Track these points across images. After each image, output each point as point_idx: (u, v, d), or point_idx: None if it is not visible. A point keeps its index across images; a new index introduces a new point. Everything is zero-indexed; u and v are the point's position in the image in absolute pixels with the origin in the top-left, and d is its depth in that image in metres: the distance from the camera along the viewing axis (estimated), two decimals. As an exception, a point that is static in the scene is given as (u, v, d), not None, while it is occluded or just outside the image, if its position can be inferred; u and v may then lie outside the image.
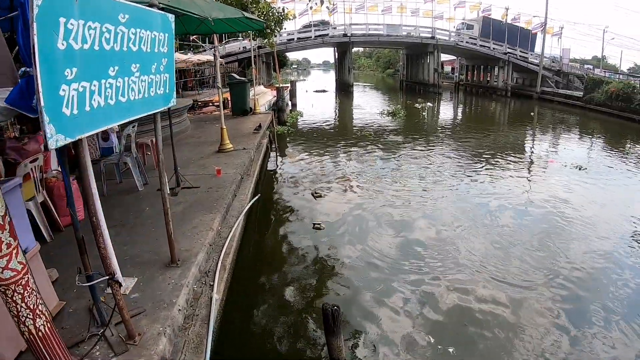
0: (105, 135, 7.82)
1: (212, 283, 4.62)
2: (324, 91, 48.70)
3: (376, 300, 5.64)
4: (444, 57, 55.78)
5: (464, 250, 7.06)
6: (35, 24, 2.01)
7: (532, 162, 14.59)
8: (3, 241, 2.25)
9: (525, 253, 7.00)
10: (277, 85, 22.26)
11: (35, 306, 2.53)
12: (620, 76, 39.67)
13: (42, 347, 2.61)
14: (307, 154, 14.81)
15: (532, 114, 30.52)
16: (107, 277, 2.95)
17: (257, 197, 8.12)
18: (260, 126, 12.99)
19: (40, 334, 2.57)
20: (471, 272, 6.35)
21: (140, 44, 3.05)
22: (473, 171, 12.44)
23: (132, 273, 4.23)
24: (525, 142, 19.17)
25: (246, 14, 6.98)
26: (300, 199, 9.75)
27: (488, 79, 50.10)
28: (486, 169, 12.87)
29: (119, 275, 3.64)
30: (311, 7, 39.14)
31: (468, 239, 7.52)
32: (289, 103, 26.56)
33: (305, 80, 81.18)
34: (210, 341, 3.84)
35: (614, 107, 28.89)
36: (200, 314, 4.07)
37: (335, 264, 6.67)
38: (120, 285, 3.08)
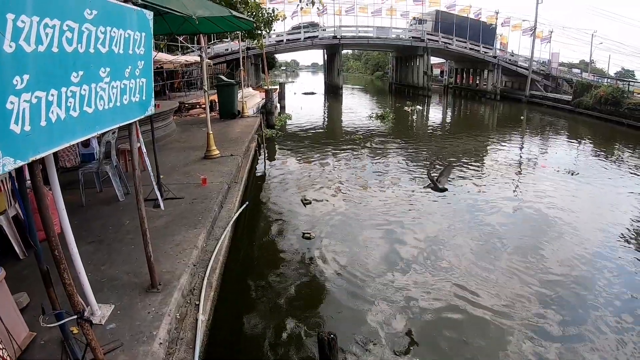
0: (85, 140, 7.40)
1: (197, 302, 4.23)
2: (312, 93, 48.83)
3: (368, 317, 5.35)
4: (434, 60, 55.97)
5: (452, 258, 7.00)
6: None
7: (521, 167, 14.51)
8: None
9: (515, 258, 7.00)
10: (266, 88, 21.86)
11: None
12: (608, 80, 39.88)
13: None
14: (296, 158, 14.59)
15: (521, 117, 30.67)
16: (75, 317, 2.54)
17: (245, 205, 7.74)
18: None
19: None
20: (460, 280, 6.26)
21: (111, 44, 2.64)
22: (461, 177, 12.27)
23: (110, 298, 3.81)
24: (515, 146, 19.09)
25: (234, 13, 6.58)
26: (289, 206, 9.53)
27: (477, 82, 50.30)
28: (476, 173, 12.80)
29: (92, 305, 3.25)
30: (301, 8, 38.86)
31: (457, 246, 7.46)
32: (278, 106, 26.22)
33: (294, 82, 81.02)
34: None
35: (602, 110, 29.18)
36: (185, 337, 3.70)
37: (327, 277, 6.38)
38: (92, 324, 2.66)
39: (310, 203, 9.58)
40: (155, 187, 6.35)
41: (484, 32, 47.74)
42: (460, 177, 12.15)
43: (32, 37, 1.92)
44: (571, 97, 34.50)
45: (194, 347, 3.65)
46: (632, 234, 8.30)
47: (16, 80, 1.84)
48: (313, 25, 43.51)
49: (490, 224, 8.48)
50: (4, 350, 2.35)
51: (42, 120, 2.04)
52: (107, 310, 3.63)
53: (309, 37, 41.90)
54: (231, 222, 6.36)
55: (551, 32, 52.28)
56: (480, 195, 10.44)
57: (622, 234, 8.26)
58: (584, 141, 21.48)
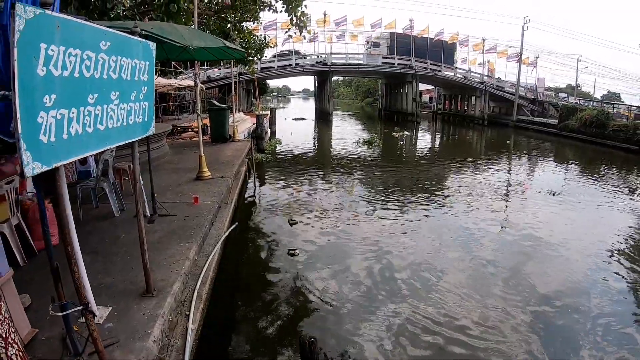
0: (83, 158, 7.72)
1: (187, 312, 4.54)
2: (302, 119, 49.15)
3: (350, 331, 5.62)
4: (423, 86, 56.85)
5: (437, 280, 7.15)
6: (16, 49, 1.99)
7: (508, 189, 14.89)
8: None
9: (499, 279, 7.19)
10: (257, 113, 22.31)
11: (7, 334, 2.46)
12: (594, 103, 41.06)
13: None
14: (285, 182, 14.86)
15: (507, 142, 31.22)
16: (81, 307, 2.87)
17: (234, 226, 8.08)
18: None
19: (7, 365, 2.49)
20: (445, 303, 6.36)
21: (120, 71, 3.04)
22: (448, 201, 12.55)
23: (107, 302, 4.11)
24: (501, 170, 19.48)
25: (227, 43, 7.01)
26: (277, 227, 9.77)
27: (465, 108, 51.24)
28: (462, 197, 13.05)
29: (93, 305, 3.55)
30: (290, 36, 39.63)
31: (442, 268, 7.61)
32: (268, 131, 26.62)
33: (285, 107, 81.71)
34: None
35: (588, 133, 30.04)
36: (175, 344, 3.98)
37: (310, 292, 6.64)
38: (94, 315, 3.00)
39: (296, 223, 9.89)
40: (147, 205, 6.68)
41: (443, 52, 49.47)
42: (447, 201, 12.50)
43: (59, 63, 2.31)
44: (557, 120, 35.42)
45: (184, 353, 3.96)
46: (610, 253, 8.64)
47: (45, 99, 2.23)
48: (294, 53, 44.28)
49: (474, 247, 8.68)
50: (15, 333, 2.65)
51: (64, 133, 2.41)
52: (104, 311, 3.94)
53: (299, 64, 42.70)
54: (221, 240, 6.69)
55: (537, 57, 53.78)
56: (464, 219, 10.71)
57: (601, 254, 8.58)
58: (568, 163, 22.14)
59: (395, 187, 14.39)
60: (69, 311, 2.92)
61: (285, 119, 46.22)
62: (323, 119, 46.42)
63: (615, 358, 5.15)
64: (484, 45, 51.64)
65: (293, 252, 8.12)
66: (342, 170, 17.55)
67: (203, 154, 9.64)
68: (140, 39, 3.42)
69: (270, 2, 14.49)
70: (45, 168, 2.27)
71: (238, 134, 17.38)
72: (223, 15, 15.89)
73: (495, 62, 53.53)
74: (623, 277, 7.59)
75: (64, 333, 3.53)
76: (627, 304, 6.62)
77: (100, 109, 2.82)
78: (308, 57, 44.51)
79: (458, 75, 48.77)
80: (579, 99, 48.70)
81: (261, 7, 15.45)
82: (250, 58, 19.08)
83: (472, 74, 48.65)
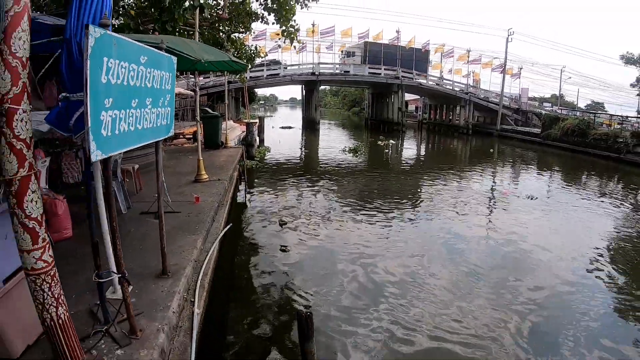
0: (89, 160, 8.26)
1: (193, 299, 5.10)
2: (290, 127, 49.57)
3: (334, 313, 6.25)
4: (409, 96, 57.70)
5: (422, 283, 7.54)
6: (88, 61, 2.58)
7: (489, 195, 15.60)
8: (40, 236, 2.74)
9: (484, 289, 7.45)
10: (247, 121, 22.86)
11: (59, 295, 2.98)
12: (577, 113, 42.23)
13: (60, 334, 3.04)
14: (274, 187, 15.48)
15: (491, 150, 32.06)
16: (120, 275, 3.45)
17: (229, 226, 8.66)
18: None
19: (60, 321, 3.00)
20: (433, 307, 6.71)
21: (153, 81, 3.64)
22: (431, 208, 13.10)
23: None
24: (483, 177, 20.22)
25: (232, 57, 7.62)
26: (268, 227, 10.42)
27: (450, 117, 52.17)
28: (445, 204, 13.64)
29: (115, 284, 4.13)
30: (279, 46, 40.48)
31: (427, 273, 8.03)
32: (257, 138, 27.14)
33: (272, 116, 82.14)
34: (194, 349, 4.32)
35: (570, 142, 31.05)
36: (183, 325, 4.53)
37: (299, 283, 7.41)
38: (129, 284, 3.58)
39: (286, 224, 10.57)
40: (150, 203, 7.22)
41: (417, 59, 50.60)
42: (430, 208, 13.07)
43: (114, 73, 2.91)
44: (540, 130, 36.47)
45: (191, 333, 4.52)
46: (588, 253, 9.33)
47: (106, 102, 2.83)
48: (275, 63, 44.90)
49: (458, 253, 9.08)
50: (63, 296, 3.18)
51: (116, 130, 3.01)
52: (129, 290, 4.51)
53: (288, 75, 43.45)
54: (219, 238, 7.25)
55: (520, 68, 55.00)
56: (447, 223, 11.28)
57: (578, 253, 9.25)
58: (549, 171, 23.11)
59: (380, 194, 15.01)
60: (109, 278, 3.49)
61: (272, 127, 46.69)
62: (310, 128, 46.97)
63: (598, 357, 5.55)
64: (468, 57, 52.84)
65: (284, 248, 8.83)
66: (328, 177, 18.17)
67: (201, 158, 10.21)
68: (166, 54, 4.02)
69: (263, 15, 15.10)
70: (104, 156, 2.87)
71: (229, 140, 17.93)
72: (217, 26, 16.49)
73: (480, 72, 54.76)
74: (596, 275, 8.19)
75: (90, 307, 4.10)
76: (604, 304, 7.08)
77: (139, 112, 3.42)
78: (294, 67, 45.22)
79: (445, 85, 49.80)
80: (562, 109, 49.94)
81: (254, 19, 16.07)
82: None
83: (456, 83, 49.76)
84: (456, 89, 48.80)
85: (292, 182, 16.84)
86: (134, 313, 4.00)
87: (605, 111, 67.33)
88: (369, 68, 47.23)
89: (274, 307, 6.56)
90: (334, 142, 34.66)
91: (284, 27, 14.94)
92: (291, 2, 14.16)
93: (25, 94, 2.52)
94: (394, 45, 50.73)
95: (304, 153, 28.89)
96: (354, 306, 6.69)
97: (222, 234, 7.62)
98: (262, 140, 28.85)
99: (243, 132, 23.20)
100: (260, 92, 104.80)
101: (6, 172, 2.53)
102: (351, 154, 26.21)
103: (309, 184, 16.31)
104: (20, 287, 3.44)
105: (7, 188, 2.58)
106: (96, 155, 2.74)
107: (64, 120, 2.97)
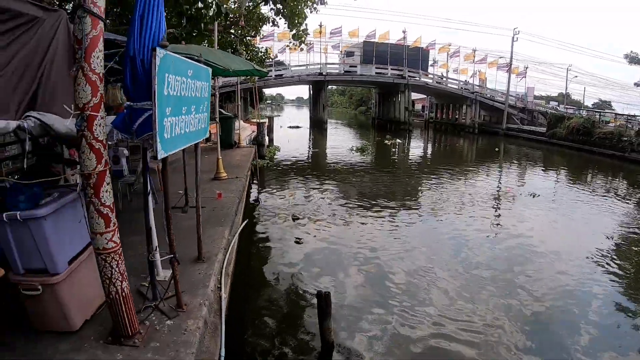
0: (116, 159, 8.88)
1: (219, 285, 5.71)
2: (298, 127, 49.97)
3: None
4: (416, 95, 57.92)
5: (428, 279, 7.91)
6: (156, 78, 3.20)
7: (495, 194, 16.09)
8: (111, 220, 3.36)
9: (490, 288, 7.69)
10: (257, 121, 23.42)
11: (123, 271, 3.59)
12: (584, 112, 42.46)
13: (122, 305, 3.65)
14: (285, 186, 16.14)
15: (497, 149, 32.30)
16: (172, 255, 4.07)
17: (246, 221, 9.30)
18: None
19: (123, 294, 3.61)
20: (439, 306, 6.93)
21: (195, 91, 4.25)
22: (439, 207, 13.50)
23: (167, 267, 5.30)
24: (491, 176, 20.78)
25: (255, 66, 8.22)
26: (281, 222, 11.08)
27: (457, 116, 52.33)
28: (451, 201, 14.17)
29: (158, 268, 4.74)
30: (287, 47, 41.04)
31: (433, 267, 8.41)
32: (267, 138, 27.64)
33: (279, 115, 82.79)
34: (223, 327, 4.93)
35: (575, 140, 31.25)
36: (213, 307, 5.15)
37: (311, 273, 8.10)
38: (179, 262, 4.20)
39: (298, 219, 11.25)
40: (176, 199, 7.84)
41: (414, 58, 51.06)
42: (439, 207, 13.50)
43: (172, 86, 3.53)
44: (546, 128, 36.67)
45: (220, 313, 5.14)
46: (589, 253, 9.55)
47: (167, 110, 3.45)
48: (279, 64, 45.28)
49: (463, 250, 9.45)
50: (126, 273, 3.77)
51: (173, 133, 3.63)
52: (168, 272, 5.12)
53: (295, 74, 44.02)
54: (238, 232, 7.91)
55: (526, 67, 55.15)
56: (454, 221, 11.71)
57: (580, 254, 9.45)
58: (555, 169, 23.54)
59: (387, 193, 15.51)
60: (164, 258, 4.12)
61: (280, 127, 46.93)
62: (318, 128, 47.39)
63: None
64: (474, 56, 53.19)
65: (298, 240, 9.53)
66: (336, 176, 18.76)
67: (220, 157, 10.84)
68: (205, 66, 4.64)
69: (274, 20, 15.71)
70: (165, 155, 3.49)
71: (242, 140, 18.54)
72: (229, 30, 17.14)
73: (485, 72, 55.00)
74: (603, 272, 8.53)
75: (137, 287, 4.72)
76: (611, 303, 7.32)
77: (187, 118, 4.03)
78: (302, 67, 45.71)
79: (450, 84, 50.18)
80: (569, 107, 50.22)
81: (265, 23, 16.71)
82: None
83: (462, 83, 50.12)
84: (462, 88, 49.17)
85: (302, 180, 17.47)
86: (179, 290, 4.64)
87: (613, 109, 67.40)
88: (376, 68, 47.66)
89: (292, 292, 7.26)
90: (342, 142, 35.10)
91: (294, 31, 15.55)
92: (301, 7, 14.74)
93: (102, 102, 3.14)
94: (394, 45, 50.96)
95: (312, 152, 29.40)
96: (365, 295, 7.27)
97: (241, 228, 8.26)
98: (271, 140, 29.33)
99: (253, 131, 23.71)
100: (267, 91, 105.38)
101: (86, 167, 3.15)
102: (358, 153, 26.63)
103: (319, 183, 16.90)
104: (81, 268, 4.06)
105: (85, 181, 3.20)
106: (161, 154, 3.36)
107: (127, 125, 3.57)
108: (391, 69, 47.59)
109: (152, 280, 4.34)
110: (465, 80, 52.00)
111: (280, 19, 15.67)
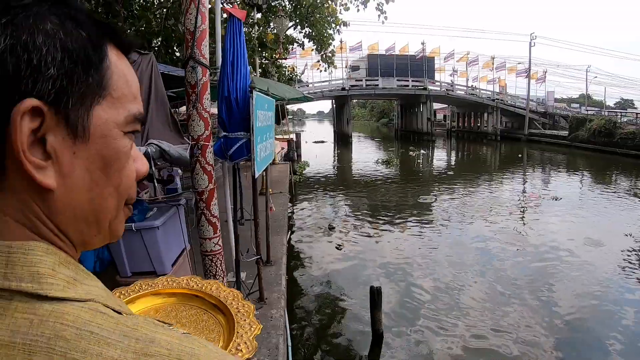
0: (170, 177, 9.84)
1: (279, 281, 6.60)
2: (322, 142, 50.48)
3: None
4: (437, 105, 58.25)
5: (458, 289, 8.37)
6: (252, 114, 4.11)
7: (519, 199, 16.61)
8: (218, 227, 4.25)
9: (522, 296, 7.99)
10: (287, 137, 24.24)
11: (224, 269, 4.47)
12: (606, 112, 42.41)
13: (221, 298, 4.55)
14: (317, 200, 17.13)
15: (520, 155, 32.63)
16: (258, 256, 4.97)
17: (291, 231, 10.24)
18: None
19: (222, 289, 4.51)
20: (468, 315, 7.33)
21: (267, 120, 5.17)
22: (467, 214, 14.18)
23: (242, 269, 6.22)
24: (514, 181, 21.41)
25: (305, 94, 9.18)
26: (319, 232, 12.01)
27: (478, 124, 52.62)
28: (480, 209, 14.73)
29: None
30: (311, 67, 42.23)
31: (462, 279, 8.85)
32: (295, 154, 28.43)
33: (303, 130, 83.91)
34: (286, 319, 5.79)
35: (597, 142, 31.30)
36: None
37: (354, 272, 9.00)
38: (263, 261, 5.10)
39: (334, 228, 12.21)
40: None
41: (421, 67, 51.27)
42: (466, 214, 14.19)
43: (258, 118, 4.44)
44: (567, 132, 36.82)
45: (284, 308, 6.02)
46: (617, 259, 9.71)
47: (258, 138, 4.36)
48: (299, 81, 46.03)
49: (490, 260, 9.82)
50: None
51: (259, 157, 4.54)
52: (243, 274, 6.03)
53: (319, 90, 45.03)
54: (286, 239, 8.82)
55: (545, 71, 55.30)
56: (480, 232, 12.03)
57: (608, 260, 9.62)
58: (578, 172, 23.76)
59: (414, 204, 16.14)
60: (252, 258, 5.02)
61: (306, 142, 47.30)
62: (343, 142, 48.03)
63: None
64: (493, 63, 53.66)
65: (339, 246, 10.53)
66: (364, 188, 19.65)
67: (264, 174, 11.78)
68: (271, 98, 5.57)
69: (303, 42, 16.71)
70: (258, 174, 4.40)
71: (276, 158, 19.45)
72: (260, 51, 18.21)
73: (505, 78, 55.36)
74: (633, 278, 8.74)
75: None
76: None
77: (265, 144, 4.95)
78: (325, 83, 46.71)
79: (469, 93, 50.66)
80: (590, 109, 50.25)
81: (293, 44, 17.71)
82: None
83: (481, 91, 50.58)
84: (483, 96, 49.64)
85: (332, 193, 18.47)
86: (262, 285, 5.53)
87: (635, 108, 66.82)
88: (397, 80, 48.43)
89: (339, 288, 8.15)
90: (367, 154, 35.80)
91: (322, 53, 16.54)
92: (329, 31, 15.70)
93: (211, 134, 4.06)
94: (397, 56, 51.50)
95: (340, 166, 30.20)
96: (399, 297, 8.09)
97: (288, 235, 9.17)
98: (299, 156, 30.14)
99: (282, 148, 24.52)
100: (289, 107, 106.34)
101: (199, 185, 4.05)
102: (384, 166, 27.23)
103: (348, 195, 17.84)
104: (179, 269, 4.98)
105: (198, 196, 4.11)
106: (257, 174, 4.27)
107: (224, 151, 4.49)
108: (412, 80, 48.29)
109: (237, 277, 5.24)
110: (476, 87, 52.43)
111: (309, 41, 16.64)
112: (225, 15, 5.79)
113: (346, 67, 53.59)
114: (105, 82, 0.55)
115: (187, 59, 3.88)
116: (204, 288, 1.42)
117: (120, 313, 0.53)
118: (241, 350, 1.10)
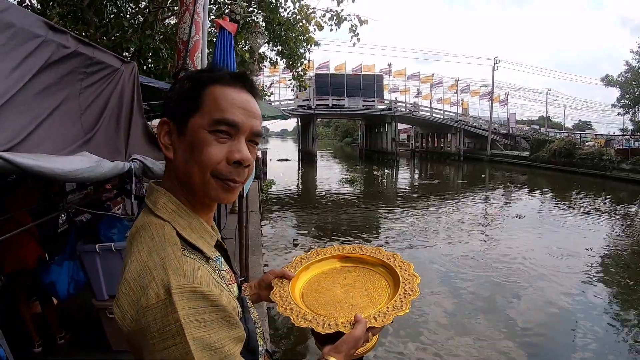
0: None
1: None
2: (287, 160, 50.15)
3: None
4: (400, 125, 58.82)
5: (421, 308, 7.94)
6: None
7: (482, 218, 16.71)
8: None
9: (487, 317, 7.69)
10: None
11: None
12: (564, 133, 43.88)
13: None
14: (282, 217, 16.88)
15: (482, 175, 33.25)
16: (242, 278, 4.77)
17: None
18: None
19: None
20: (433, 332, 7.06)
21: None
22: (428, 235, 13.88)
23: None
24: (476, 201, 21.67)
25: (283, 113, 9.04)
26: (284, 248, 11.64)
27: (442, 145, 53.85)
28: (440, 228, 14.72)
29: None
30: (289, 87, 42.17)
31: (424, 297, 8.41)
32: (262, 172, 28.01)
33: (268, 148, 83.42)
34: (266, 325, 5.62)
35: (557, 162, 32.53)
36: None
37: None
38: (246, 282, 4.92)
39: (298, 244, 12.03)
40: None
41: (372, 86, 51.57)
42: (429, 232, 14.11)
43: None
44: (529, 152, 38.02)
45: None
46: (576, 273, 9.83)
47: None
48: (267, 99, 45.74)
49: (452, 279, 9.55)
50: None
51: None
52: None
53: (285, 108, 44.88)
54: (262, 259, 8.66)
55: (507, 94, 56.91)
56: (444, 250, 11.79)
57: (568, 274, 9.70)
58: (539, 191, 24.58)
59: (377, 222, 16.12)
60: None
61: (270, 159, 47.01)
62: (307, 160, 47.73)
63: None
64: (457, 86, 54.89)
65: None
66: (329, 207, 19.58)
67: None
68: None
69: (276, 60, 16.57)
70: (246, 192, 4.23)
71: (245, 175, 19.17)
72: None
73: (468, 100, 56.66)
74: (591, 293, 8.69)
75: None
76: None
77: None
78: (290, 101, 46.65)
79: (434, 114, 51.46)
80: (550, 130, 51.90)
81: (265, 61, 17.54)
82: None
83: (445, 112, 51.50)
84: (447, 117, 50.50)
85: (298, 211, 18.32)
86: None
87: (593, 129, 69.31)
88: (363, 101, 48.75)
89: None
90: (331, 173, 35.68)
91: (294, 71, 16.42)
92: (301, 51, 15.60)
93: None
94: (348, 75, 51.14)
95: (306, 185, 29.94)
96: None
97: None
98: (265, 174, 29.75)
99: (249, 166, 24.20)
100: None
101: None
102: (348, 185, 27.04)
103: (313, 214, 17.66)
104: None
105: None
106: (244, 192, 4.11)
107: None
108: (378, 101, 48.71)
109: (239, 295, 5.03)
110: (449, 111, 53.38)
111: (282, 60, 16.47)
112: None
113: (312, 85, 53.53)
114: (198, 105, 0.95)
115: (178, 70, 3.71)
116: (368, 253, 1.49)
117: (181, 237, 0.92)
118: (409, 294, 1.20)
